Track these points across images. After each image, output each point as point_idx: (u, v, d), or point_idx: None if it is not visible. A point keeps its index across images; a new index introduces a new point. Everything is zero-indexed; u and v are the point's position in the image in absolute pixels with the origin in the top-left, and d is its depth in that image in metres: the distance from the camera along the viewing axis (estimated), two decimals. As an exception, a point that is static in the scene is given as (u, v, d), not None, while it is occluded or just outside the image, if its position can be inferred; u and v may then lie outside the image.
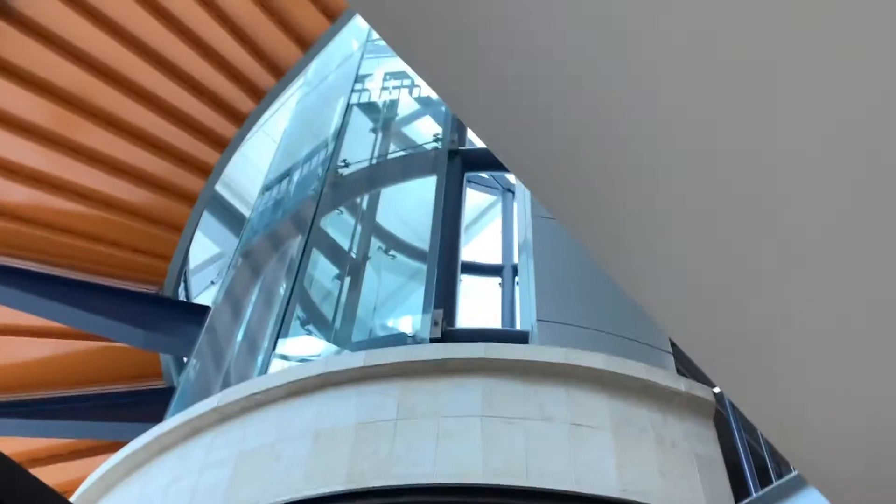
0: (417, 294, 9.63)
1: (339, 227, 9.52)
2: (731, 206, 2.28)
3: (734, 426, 5.49)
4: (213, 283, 13.60)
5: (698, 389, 5.64)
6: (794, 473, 4.87)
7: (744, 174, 2.18)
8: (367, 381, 5.63)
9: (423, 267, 9.82)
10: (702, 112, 2.05)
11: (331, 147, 10.15)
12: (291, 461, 5.25)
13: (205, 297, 11.95)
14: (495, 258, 11.19)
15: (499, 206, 12.50)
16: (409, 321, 8.67)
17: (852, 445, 2.90)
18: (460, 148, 8.67)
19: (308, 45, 10.05)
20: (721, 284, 2.55)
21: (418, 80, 11.69)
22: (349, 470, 5.05)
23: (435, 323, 6.42)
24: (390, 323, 9.02)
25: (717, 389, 5.73)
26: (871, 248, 2.21)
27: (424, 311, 6.75)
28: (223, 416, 5.86)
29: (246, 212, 13.54)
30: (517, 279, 10.74)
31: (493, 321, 10.30)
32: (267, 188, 10.92)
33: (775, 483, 4.95)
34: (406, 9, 2.12)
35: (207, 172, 10.23)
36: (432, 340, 6.25)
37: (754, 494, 5.03)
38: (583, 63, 2.07)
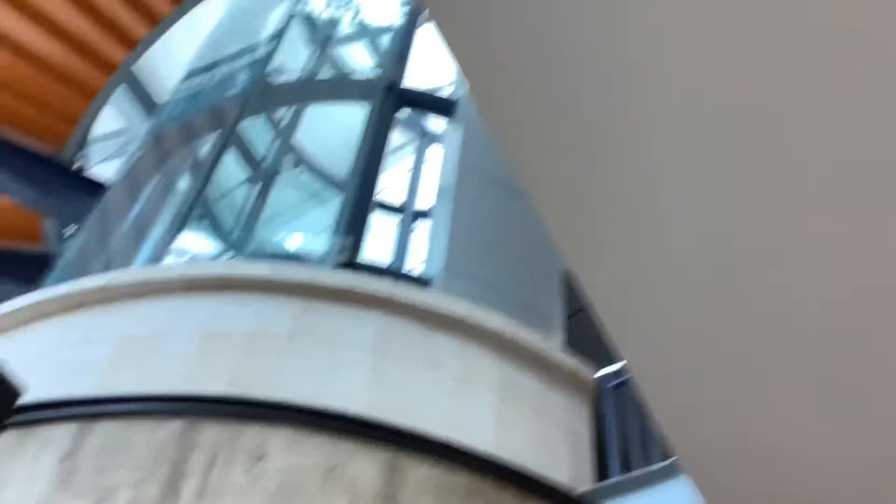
0: (316, 215, 9.57)
1: (257, 133, 9.32)
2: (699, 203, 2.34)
3: (608, 411, 5.69)
4: (107, 158, 13.12)
5: (582, 369, 5.81)
6: (655, 467, 5.11)
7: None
8: (268, 292, 5.57)
9: (326, 189, 9.75)
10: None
11: (264, 50, 9.88)
12: (175, 356, 5.17)
13: (100, 170, 11.51)
14: (396, 199, 11.18)
15: (412, 148, 12.45)
16: (310, 241, 8.61)
17: (736, 447, 3.06)
18: (398, 83, 8.57)
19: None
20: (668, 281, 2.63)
21: (362, 4, 11.50)
22: (232, 376, 5.01)
23: (343, 249, 6.38)
24: (290, 239, 8.94)
25: (598, 374, 5.92)
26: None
27: (334, 235, 6.69)
28: (110, 296, 5.69)
29: (159, 102, 13.08)
30: (414, 224, 10.78)
31: (383, 260, 10.32)
32: (190, 76, 10.55)
33: (635, 472, 5.18)
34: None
35: (133, 44, 9.81)
36: (337, 266, 6.22)
37: (614, 477, 5.25)
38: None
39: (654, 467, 5.00)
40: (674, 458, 4.84)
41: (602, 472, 5.40)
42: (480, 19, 2.25)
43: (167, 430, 4.66)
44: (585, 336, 5.60)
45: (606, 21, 2.05)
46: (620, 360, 5.47)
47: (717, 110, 2.09)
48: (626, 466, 5.39)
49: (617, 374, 5.77)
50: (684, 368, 2.86)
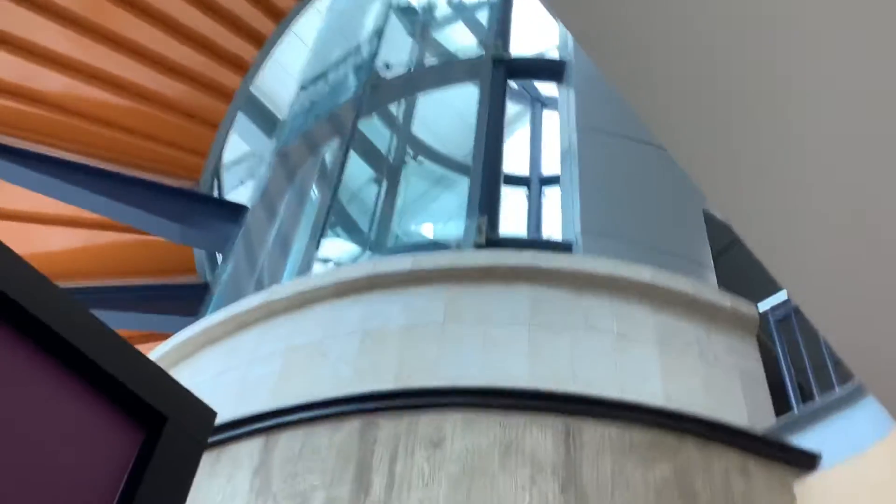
0: (445, 201, 9.65)
1: (374, 131, 9.48)
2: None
3: (777, 344, 5.55)
4: (242, 182, 13.62)
5: (743, 305, 5.68)
6: (835, 393, 4.96)
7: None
8: (414, 284, 5.69)
9: (450, 174, 9.83)
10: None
11: (368, 49, 10.04)
12: (339, 359, 5.35)
13: (235, 196, 11.97)
14: (520, 170, 11.16)
15: (526, 118, 12.40)
16: (445, 228, 8.71)
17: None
18: (504, 55, 8.55)
19: (351, -56, 9.85)
20: (817, 211, 2.55)
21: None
22: (397, 370, 5.15)
23: (479, 229, 6.43)
24: (424, 230, 9.06)
25: (761, 307, 5.78)
26: None
27: (468, 217, 6.75)
28: (271, 311, 5.94)
29: (276, 114, 13.48)
30: (545, 191, 10.74)
31: (521, 233, 10.33)
32: (303, 87, 10.83)
33: (818, 401, 5.04)
34: None
35: (245, 68, 10.16)
36: (477, 246, 6.28)
37: (795, 411, 5.12)
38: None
39: (834, 395, 4.86)
40: (854, 383, 4.71)
41: (781, 407, 5.27)
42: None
43: (346, 431, 4.83)
44: (739, 272, 5.48)
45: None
46: (780, 290, 5.34)
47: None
48: (805, 398, 5.25)
49: (779, 305, 5.62)
50: (852, 288, 2.77)
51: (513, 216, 10.54)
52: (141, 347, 6.29)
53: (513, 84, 10.46)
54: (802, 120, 2.32)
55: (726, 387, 5.24)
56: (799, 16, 2.03)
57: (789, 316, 5.47)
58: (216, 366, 5.85)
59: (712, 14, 2.15)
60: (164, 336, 6.59)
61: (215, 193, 11.02)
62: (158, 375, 1.60)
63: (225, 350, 5.94)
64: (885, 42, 2.00)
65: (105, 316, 10.37)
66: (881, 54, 2.03)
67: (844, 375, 4.86)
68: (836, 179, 2.44)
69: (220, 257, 10.18)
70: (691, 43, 2.23)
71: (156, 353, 6.32)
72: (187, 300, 9.83)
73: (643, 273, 5.64)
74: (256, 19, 9.98)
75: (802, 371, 5.44)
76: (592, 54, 2.51)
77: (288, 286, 6.01)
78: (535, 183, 10.94)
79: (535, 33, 10.32)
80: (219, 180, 11.23)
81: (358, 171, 9.12)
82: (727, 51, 2.24)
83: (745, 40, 2.18)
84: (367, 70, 9.39)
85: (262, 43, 10.12)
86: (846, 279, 2.75)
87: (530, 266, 5.60)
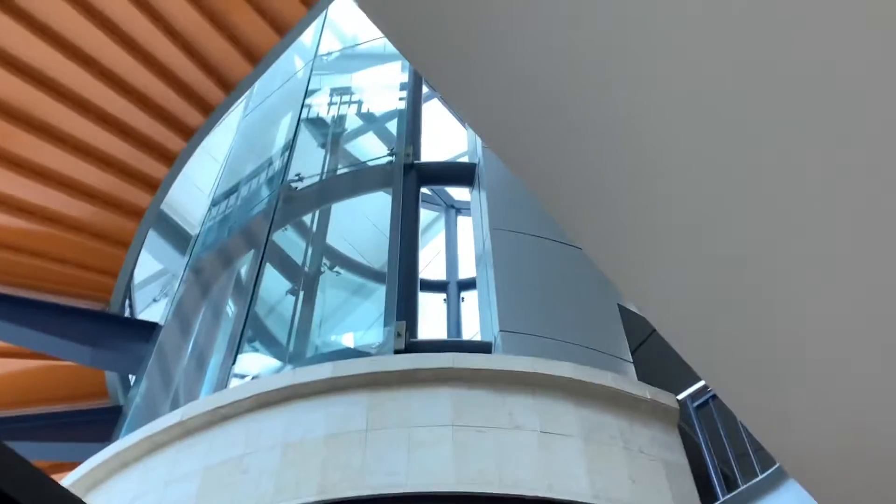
0: (362, 310, 9.62)
1: (289, 242, 9.46)
2: (736, 208, 2.34)
3: (699, 432, 5.59)
4: (155, 299, 13.35)
5: (663, 396, 5.74)
6: (759, 478, 5.00)
7: (755, 177, 2.24)
8: (336, 392, 5.61)
9: (368, 283, 9.83)
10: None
11: (280, 162, 10.09)
12: (261, 473, 5.19)
13: (148, 314, 11.71)
14: (437, 275, 11.24)
15: (441, 223, 12.56)
16: (364, 336, 8.65)
17: (839, 443, 2.99)
18: (415, 161, 8.69)
19: (257, 60, 9.97)
20: (723, 284, 2.61)
21: (364, 96, 11.74)
22: (321, 481, 5.02)
23: (398, 335, 6.42)
24: (344, 339, 8.97)
25: (680, 396, 5.85)
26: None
27: (386, 323, 6.73)
28: (187, 430, 5.76)
29: (187, 230, 13.37)
30: (463, 295, 10.81)
31: (440, 336, 10.32)
32: (214, 204, 10.79)
33: (742, 487, 5.06)
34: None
35: (155, 187, 10.07)
36: (397, 352, 6.24)
37: (721, 498, 5.13)
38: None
39: (758, 479, 4.89)
40: (776, 466, 4.75)
41: (706, 496, 5.28)
42: (488, 89, 2.30)
43: (270, 549, 4.65)
44: (658, 363, 5.55)
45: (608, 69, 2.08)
46: (698, 380, 5.41)
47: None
48: (728, 484, 5.28)
49: (698, 392, 5.70)
50: (771, 374, 2.82)
51: (433, 321, 10.56)
52: (58, 478, 6.03)
53: (426, 191, 10.63)
54: (708, 207, 2.39)
55: (652, 479, 5.24)
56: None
57: (708, 403, 5.54)
58: (130, 490, 5.61)
59: (612, 113, 2.23)
60: (78, 465, 6.30)
61: (126, 313, 10.77)
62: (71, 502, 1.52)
63: (139, 473, 5.71)
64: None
65: (19, 447, 9.94)
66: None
67: (766, 459, 4.91)
68: (743, 271, 2.51)
69: (132, 378, 9.89)
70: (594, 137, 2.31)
71: (68, 479, 6.04)
72: (101, 425, 9.49)
73: (563, 369, 5.67)
74: (166, 138, 9.95)
75: (724, 458, 5.48)
76: (501, 155, 2.58)
77: (204, 402, 5.85)
78: (452, 287, 11.01)
79: (445, 140, 10.56)
80: (130, 299, 11.00)
81: (274, 283, 9.04)
82: (627, 146, 2.31)
83: (649, 131, 2.26)
84: (279, 182, 9.42)
85: (172, 161, 10.07)
86: (759, 365, 2.80)
87: (450, 367, 5.59)
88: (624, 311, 6.87)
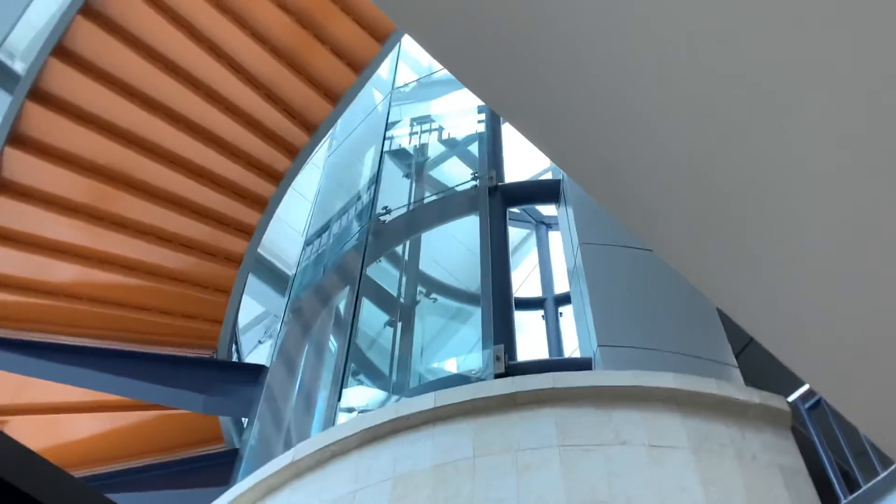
0: (462, 335, 9.67)
1: (383, 274, 9.58)
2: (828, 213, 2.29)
3: (813, 434, 5.43)
4: (260, 342, 13.71)
5: (773, 400, 5.59)
6: (880, 476, 4.82)
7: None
8: (440, 422, 5.64)
9: (464, 307, 9.87)
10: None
11: (367, 196, 10.26)
12: (373, 509, 5.26)
13: (255, 356, 12.01)
14: (533, 292, 11.22)
15: (532, 240, 12.55)
16: (465, 361, 8.69)
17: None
18: (499, 184, 8.72)
19: (336, 99, 10.17)
20: (819, 289, 2.55)
21: (444, 123, 11.84)
22: (434, 512, 5.05)
23: (497, 358, 6.43)
24: (446, 365, 9.03)
25: (790, 398, 5.69)
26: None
27: (484, 347, 6.76)
28: (299, 470, 5.88)
29: (284, 270, 13.69)
30: (561, 310, 10.76)
31: (541, 354, 10.30)
32: (308, 243, 11.02)
33: (863, 487, 4.89)
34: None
35: (250, 233, 10.34)
36: (497, 376, 6.25)
37: (844, 500, 4.97)
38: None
39: (880, 478, 4.72)
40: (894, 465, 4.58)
41: (827, 497, 5.12)
42: (557, 116, 2.31)
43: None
44: (764, 365, 5.42)
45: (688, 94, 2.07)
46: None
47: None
48: (849, 484, 5.11)
49: (807, 393, 5.54)
50: (870, 375, 2.73)
51: (533, 338, 10.54)
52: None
53: (514, 210, 10.65)
54: (797, 206, 2.34)
55: (769, 486, 5.10)
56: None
57: (820, 403, 5.38)
58: (251, 533, 5.75)
59: (686, 130, 2.21)
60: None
61: (234, 357, 11.06)
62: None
63: (255, 517, 5.85)
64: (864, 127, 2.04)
65: (139, 498, 10.31)
66: (866, 139, 2.07)
67: (885, 456, 4.74)
68: (834, 268, 2.45)
69: (245, 421, 10.13)
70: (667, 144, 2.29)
71: (188, 527, 6.23)
72: (218, 469, 9.74)
73: (666, 379, 5.59)
74: (257, 184, 10.23)
75: (842, 455, 5.31)
76: (573, 175, 2.58)
77: (313, 441, 5.96)
78: (550, 303, 10.99)
79: (528, 156, 10.56)
80: (236, 344, 11.30)
81: (372, 316, 9.17)
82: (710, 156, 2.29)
83: (728, 142, 2.23)
84: (368, 216, 9.57)
85: (265, 206, 10.34)
86: (862, 364, 2.72)
87: (551, 388, 5.57)
88: (724, 314, 6.73)
